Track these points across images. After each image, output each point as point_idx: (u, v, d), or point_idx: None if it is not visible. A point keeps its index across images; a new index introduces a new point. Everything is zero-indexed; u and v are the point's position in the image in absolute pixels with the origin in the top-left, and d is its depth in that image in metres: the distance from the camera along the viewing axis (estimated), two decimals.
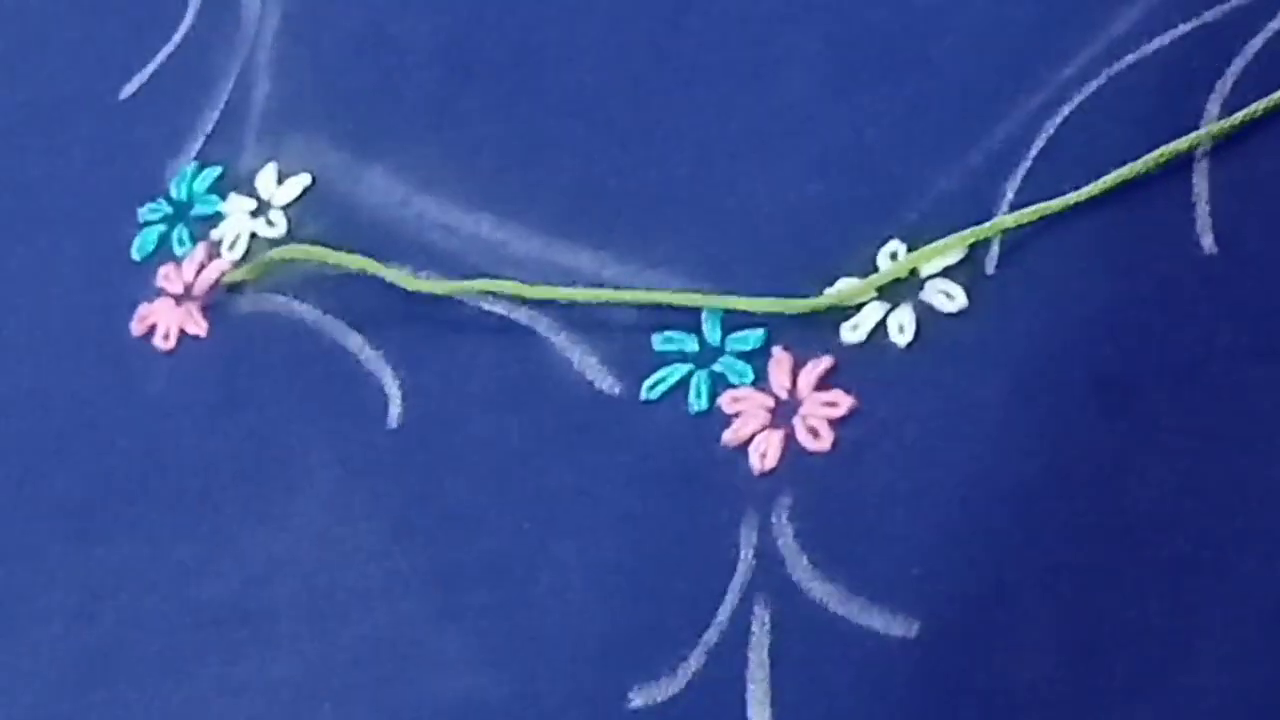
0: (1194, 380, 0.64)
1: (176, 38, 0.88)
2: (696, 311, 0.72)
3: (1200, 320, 0.65)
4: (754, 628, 0.65)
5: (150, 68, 0.88)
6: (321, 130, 0.83)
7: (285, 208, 0.82)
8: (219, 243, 0.82)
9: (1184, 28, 0.71)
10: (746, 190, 0.74)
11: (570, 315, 0.73)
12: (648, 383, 0.71)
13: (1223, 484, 0.62)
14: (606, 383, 0.72)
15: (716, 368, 0.71)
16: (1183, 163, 0.68)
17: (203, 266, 0.81)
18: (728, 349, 0.71)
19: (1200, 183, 0.68)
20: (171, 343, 0.80)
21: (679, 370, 0.71)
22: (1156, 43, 0.71)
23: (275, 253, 0.78)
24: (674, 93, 0.76)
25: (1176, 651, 0.60)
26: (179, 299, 0.81)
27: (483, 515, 0.70)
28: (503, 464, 0.71)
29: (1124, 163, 0.68)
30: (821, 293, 0.70)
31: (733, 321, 0.71)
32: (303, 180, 0.82)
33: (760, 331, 0.71)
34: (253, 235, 0.81)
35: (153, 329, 0.81)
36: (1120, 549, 0.62)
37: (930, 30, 0.70)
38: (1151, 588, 0.61)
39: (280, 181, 0.82)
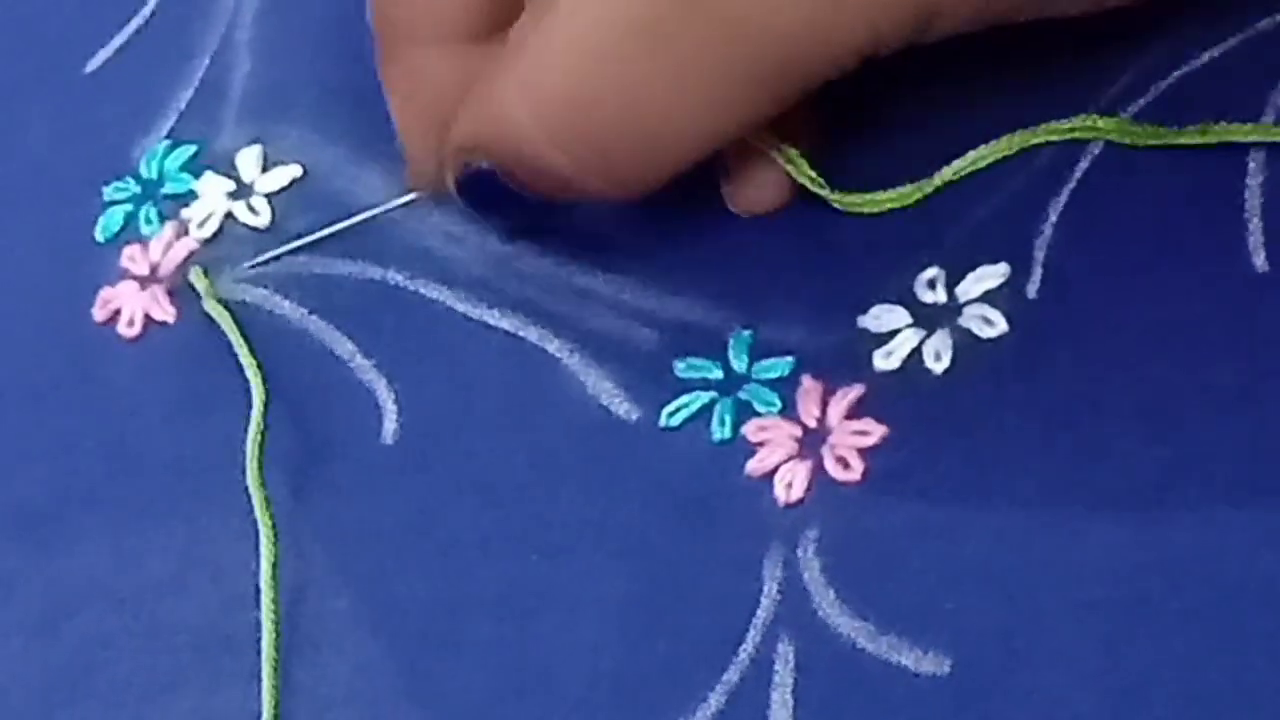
0: (1244, 408, 0.62)
1: (146, 10, 0.84)
2: (722, 337, 0.69)
3: (1251, 344, 0.63)
4: (777, 666, 0.62)
5: (118, 40, 0.84)
6: (312, 124, 0.78)
7: (270, 196, 0.77)
8: (189, 221, 0.77)
9: (1233, 40, 0.68)
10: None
11: (586, 337, 0.70)
12: (668, 409, 0.68)
13: (1276, 519, 0.59)
14: (623, 408, 0.68)
15: (742, 395, 0.67)
16: (1234, 174, 0.65)
17: (170, 246, 0.77)
18: (754, 376, 0.68)
19: (1252, 197, 0.65)
20: (136, 329, 0.75)
21: (701, 398, 0.68)
22: (1207, 56, 0.69)
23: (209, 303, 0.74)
24: None
25: (1227, 694, 0.57)
26: (144, 281, 0.76)
27: (486, 544, 0.67)
28: (509, 490, 0.68)
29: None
30: (855, 321, 0.67)
31: (760, 349, 0.68)
32: (292, 171, 0.77)
33: (789, 359, 0.68)
34: (228, 215, 0.77)
35: (116, 314, 0.76)
36: (1167, 585, 0.60)
37: (963, 41, 0.66)
38: (1201, 626, 0.59)
39: (266, 168, 0.77)
